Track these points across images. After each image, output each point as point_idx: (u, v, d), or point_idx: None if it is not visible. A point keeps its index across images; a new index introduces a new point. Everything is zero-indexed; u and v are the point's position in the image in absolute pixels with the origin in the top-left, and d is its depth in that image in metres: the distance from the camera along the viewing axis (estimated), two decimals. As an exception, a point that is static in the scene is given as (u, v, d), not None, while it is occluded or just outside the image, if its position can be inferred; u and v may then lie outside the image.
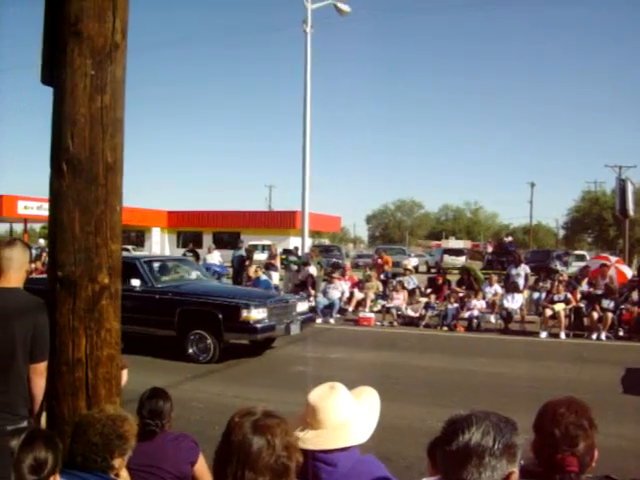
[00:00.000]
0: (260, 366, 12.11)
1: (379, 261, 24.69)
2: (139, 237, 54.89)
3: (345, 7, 26.15)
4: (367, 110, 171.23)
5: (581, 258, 39.93)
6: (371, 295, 20.45)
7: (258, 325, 12.05)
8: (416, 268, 38.16)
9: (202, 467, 3.93)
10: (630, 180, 25.77)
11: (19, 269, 3.92)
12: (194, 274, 15.05)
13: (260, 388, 10.09)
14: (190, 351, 12.17)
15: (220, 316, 11.99)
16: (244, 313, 11.99)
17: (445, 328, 17.87)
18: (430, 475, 2.91)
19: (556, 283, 18.42)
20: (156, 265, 13.91)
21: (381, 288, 21.48)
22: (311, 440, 2.82)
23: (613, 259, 21.96)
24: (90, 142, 3.57)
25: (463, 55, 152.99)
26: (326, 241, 60.95)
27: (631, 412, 8.66)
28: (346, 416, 2.88)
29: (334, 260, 33.54)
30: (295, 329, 13.06)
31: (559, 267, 35.93)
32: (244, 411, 2.21)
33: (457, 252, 47.86)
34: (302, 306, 14.20)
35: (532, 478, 2.67)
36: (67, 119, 3.57)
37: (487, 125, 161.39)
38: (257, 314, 12.13)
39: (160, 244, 53.94)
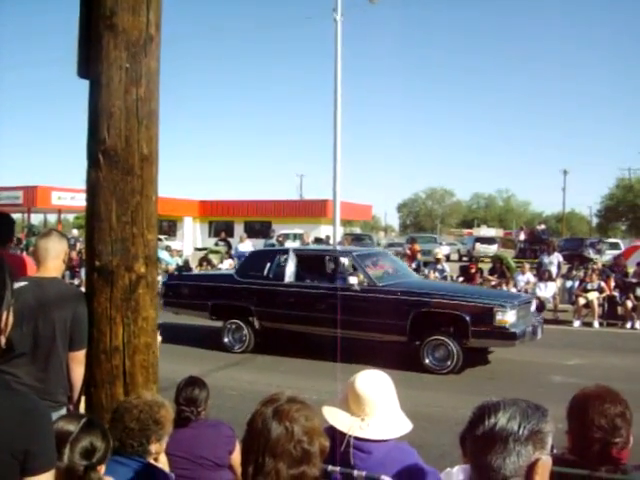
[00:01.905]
0: (287, 352, 12.06)
1: (407, 251, 24.63)
2: (171, 227, 55.20)
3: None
4: (398, 98, 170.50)
5: (615, 246, 39.48)
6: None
7: (515, 330, 10.27)
8: (448, 257, 38.05)
9: (238, 455, 3.98)
10: (665, 167, 25.41)
11: (56, 258, 4.00)
12: (401, 268, 13.42)
13: (290, 375, 10.14)
14: (426, 361, 10.50)
15: (468, 319, 10.28)
16: (499, 316, 10.21)
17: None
18: (464, 463, 2.93)
19: (589, 271, 18.24)
20: (370, 260, 12.44)
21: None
22: (365, 430, 2.84)
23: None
24: (126, 134, 3.63)
25: (494, 37, 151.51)
26: (357, 229, 60.79)
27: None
28: (392, 405, 2.91)
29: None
30: (539, 332, 11.27)
31: (592, 255, 35.59)
32: (268, 398, 2.23)
33: (489, 240, 47.45)
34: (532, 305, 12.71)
35: (572, 467, 2.68)
36: (103, 111, 3.63)
37: (519, 112, 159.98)
38: (512, 317, 10.32)
39: (192, 233, 54.32)
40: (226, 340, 12.21)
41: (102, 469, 2.62)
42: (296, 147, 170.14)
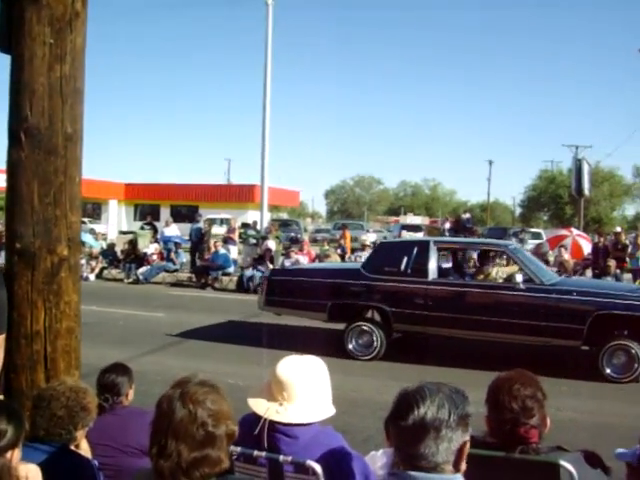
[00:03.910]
0: (214, 340, 12.00)
1: (339, 238, 24.81)
2: (95, 210, 54.12)
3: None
4: (328, 85, 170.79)
5: (537, 236, 40.39)
6: (329, 270, 20.47)
7: None
8: (374, 243, 38.30)
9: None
10: (586, 160, 26.09)
11: None
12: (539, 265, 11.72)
13: (213, 361, 10.09)
14: (607, 371, 9.39)
15: None
16: None
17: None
18: (388, 447, 2.95)
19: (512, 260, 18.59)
20: (529, 254, 11.51)
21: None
22: (283, 414, 2.84)
23: (575, 232, 22.26)
24: (49, 112, 3.53)
25: (425, 26, 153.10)
26: (285, 215, 60.88)
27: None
28: (315, 389, 2.90)
29: (292, 234, 33.60)
30: None
31: (515, 244, 36.26)
32: (178, 381, 2.20)
33: (415, 228, 47.97)
34: None
35: (490, 449, 2.74)
36: (25, 88, 3.52)
37: (446, 102, 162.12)
38: None
39: (117, 217, 53.42)
40: (351, 346, 10.56)
41: (15, 455, 2.50)
42: (225, 131, 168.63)
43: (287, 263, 19.81)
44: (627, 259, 19.26)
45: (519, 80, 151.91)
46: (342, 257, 22.26)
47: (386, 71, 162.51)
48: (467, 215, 33.55)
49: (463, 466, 2.04)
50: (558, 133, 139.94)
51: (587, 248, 20.65)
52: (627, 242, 20.97)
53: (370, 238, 30.87)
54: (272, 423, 2.82)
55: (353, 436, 4.41)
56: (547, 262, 19.64)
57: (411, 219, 67.03)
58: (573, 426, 6.90)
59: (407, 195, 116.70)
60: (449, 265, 11.90)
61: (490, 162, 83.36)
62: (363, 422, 6.80)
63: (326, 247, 24.43)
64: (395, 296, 10.65)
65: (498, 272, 11.20)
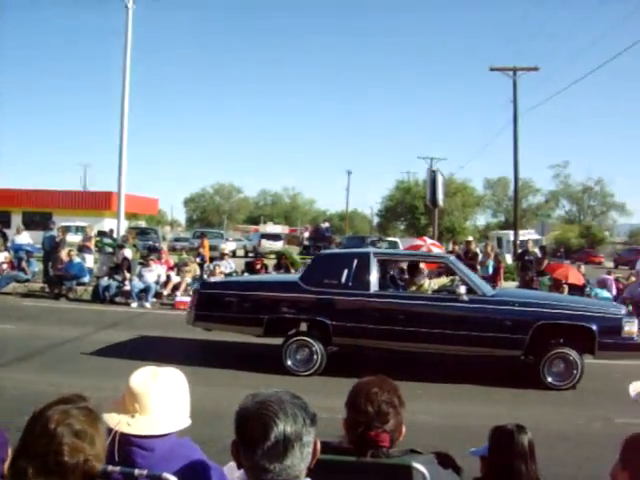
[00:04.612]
0: (72, 352, 11.65)
1: (197, 246, 24.62)
2: (-61, 216, 51.37)
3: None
4: (187, 91, 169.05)
5: (394, 244, 41.47)
6: (188, 279, 20.32)
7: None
8: (234, 252, 38.30)
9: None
10: (440, 171, 26.96)
11: None
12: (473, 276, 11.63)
13: (73, 375, 9.79)
14: (549, 379, 9.76)
15: (595, 330, 9.74)
16: (627, 327, 9.86)
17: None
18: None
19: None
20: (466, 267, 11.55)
21: (198, 272, 21.41)
22: (139, 426, 2.80)
23: (429, 241, 22.96)
24: None
25: (283, 33, 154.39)
26: (143, 223, 59.64)
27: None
28: (169, 401, 2.88)
29: (150, 243, 32.99)
30: None
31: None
32: (53, 401, 2.15)
33: (274, 237, 48.33)
34: None
35: (344, 454, 2.81)
36: None
37: (307, 112, 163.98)
38: (636, 327, 10.01)
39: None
40: (290, 363, 10.22)
41: None
42: (81, 136, 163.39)
43: (144, 272, 19.48)
44: (478, 267, 20.06)
45: (379, 91, 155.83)
46: (201, 266, 22.09)
47: (247, 78, 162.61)
48: (326, 224, 34.13)
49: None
50: (415, 145, 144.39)
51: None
52: (477, 251, 21.92)
53: (229, 247, 30.83)
54: (127, 436, 2.78)
55: (212, 447, 4.39)
56: (402, 270, 20.29)
57: (271, 228, 67.41)
58: (426, 429, 7.14)
59: (267, 204, 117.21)
60: (383, 277, 11.69)
61: (349, 172, 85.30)
62: (224, 432, 6.78)
63: (185, 256, 24.20)
64: (336, 309, 10.45)
65: (430, 284, 11.32)
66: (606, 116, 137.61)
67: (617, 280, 20.21)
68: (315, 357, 10.18)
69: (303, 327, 10.66)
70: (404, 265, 12.29)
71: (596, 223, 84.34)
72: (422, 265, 12.22)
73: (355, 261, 10.64)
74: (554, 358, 9.84)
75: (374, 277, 10.47)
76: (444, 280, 11.32)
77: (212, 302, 11.03)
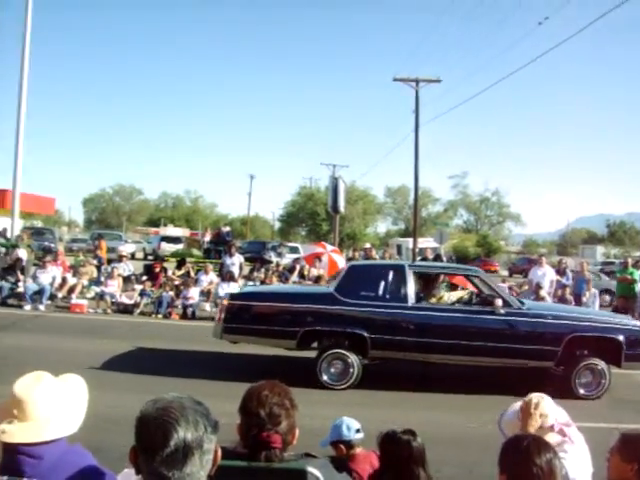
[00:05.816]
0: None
1: (94, 248, 24.13)
2: None
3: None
4: (86, 90, 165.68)
5: (294, 250, 41.69)
6: (84, 281, 19.88)
7: None
8: (133, 255, 37.74)
9: None
10: (342, 179, 27.32)
11: None
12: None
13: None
14: (581, 391, 10.16)
15: (623, 342, 10.24)
16: None
17: (160, 316, 17.91)
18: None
19: (270, 273, 19.12)
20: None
21: (96, 274, 20.97)
22: (17, 433, 2.69)
23: (329, 248, 23.16)
24: None
25: (193, 33, 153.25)
26: (39, 223, 58.02)
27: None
28: (54, 407, 2.78)
29: (46, 243, 32.14)
30: None
31: (273, 258, 37.42)
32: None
33: (175, 240, 47.80)
34: None
35: (239, 459, 2.79)
36: None
37: (210, 116, 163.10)
38: None
39: None
40: (325, 377, 10.16)
41: None
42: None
43: (39, 274, 18.92)
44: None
45: (280, 97, 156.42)
46: (98, 268, 21.64)
47: (155, 76, 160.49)
48: (227, 228, 33.97)
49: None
50: (318, 152, 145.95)
51: (341, 262, 21.54)
52: (377, 257, 22.25)
53: (128, 249, 30.32)
54: (13, 444, 2.67)
55: (107, 454, 4.28)
56: (303, 276, 20.46)
57: (171, 231, 66.39)
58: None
59: (168, 206, 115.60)
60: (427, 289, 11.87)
61: (252, 177, 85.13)
62: (120, 439, 6.63)
63: (81, 257, 23.68)
64: (374, 322, 10.40)
65: (450, 296, 11.46)
66: (505, 129, 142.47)
67: (511, 288, 20.84)
68: (351, 370, 10.16)
69: (341, 340, 10.48)
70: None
71: (492, 233, 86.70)
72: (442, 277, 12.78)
73: (391, 273, 10.70)
74: (584, 369, 10.25)
75: (411, 290, 10.55)
76: (461, 293, 11.64)
77: (243, 314, 10.75)
